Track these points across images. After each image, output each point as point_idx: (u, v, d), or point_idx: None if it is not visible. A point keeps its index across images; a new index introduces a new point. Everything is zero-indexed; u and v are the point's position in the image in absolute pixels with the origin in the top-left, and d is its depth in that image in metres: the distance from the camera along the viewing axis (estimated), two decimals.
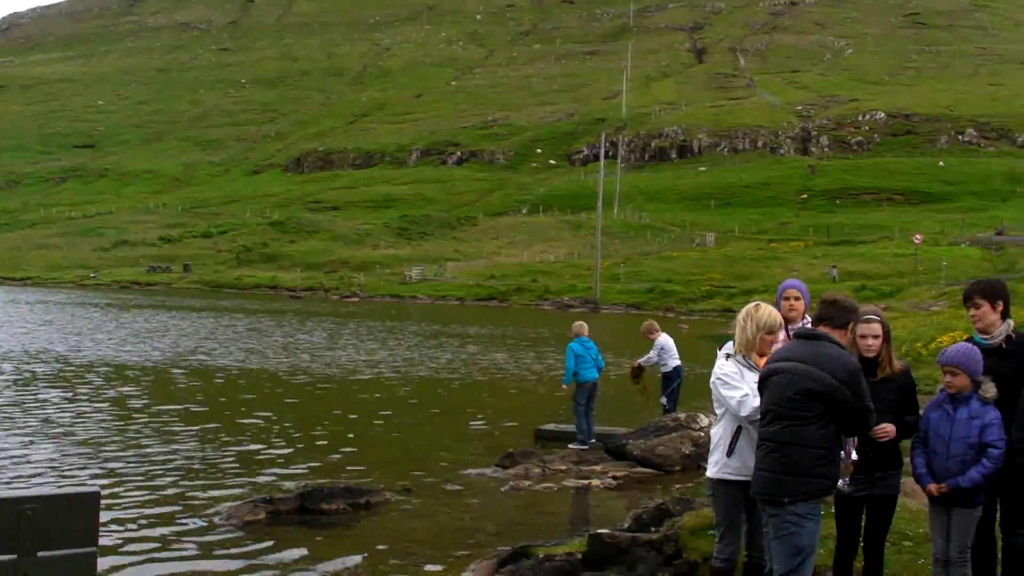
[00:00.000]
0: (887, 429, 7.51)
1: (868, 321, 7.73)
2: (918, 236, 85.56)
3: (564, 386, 20.30)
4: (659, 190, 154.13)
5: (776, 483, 6.79)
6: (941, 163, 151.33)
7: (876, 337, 7.71)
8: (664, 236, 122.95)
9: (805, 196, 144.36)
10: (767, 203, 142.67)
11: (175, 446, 19.67)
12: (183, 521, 14.19)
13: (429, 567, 12.31)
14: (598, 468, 18.52)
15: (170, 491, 15.86)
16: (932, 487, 7.52)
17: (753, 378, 7.50)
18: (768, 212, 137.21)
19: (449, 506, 15.65)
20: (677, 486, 16.20)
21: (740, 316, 7.84)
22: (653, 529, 11.60)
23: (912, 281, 71.79)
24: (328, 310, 72.88)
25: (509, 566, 11.67)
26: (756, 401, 7.32)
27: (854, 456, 7.53)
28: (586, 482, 17.61)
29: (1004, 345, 7.49)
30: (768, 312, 7.75)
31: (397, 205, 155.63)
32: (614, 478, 17.96)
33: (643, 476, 18.20)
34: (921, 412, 7.81)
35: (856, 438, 7.47)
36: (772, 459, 6.85)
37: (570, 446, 19.75)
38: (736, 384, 7.61)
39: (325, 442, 20.78)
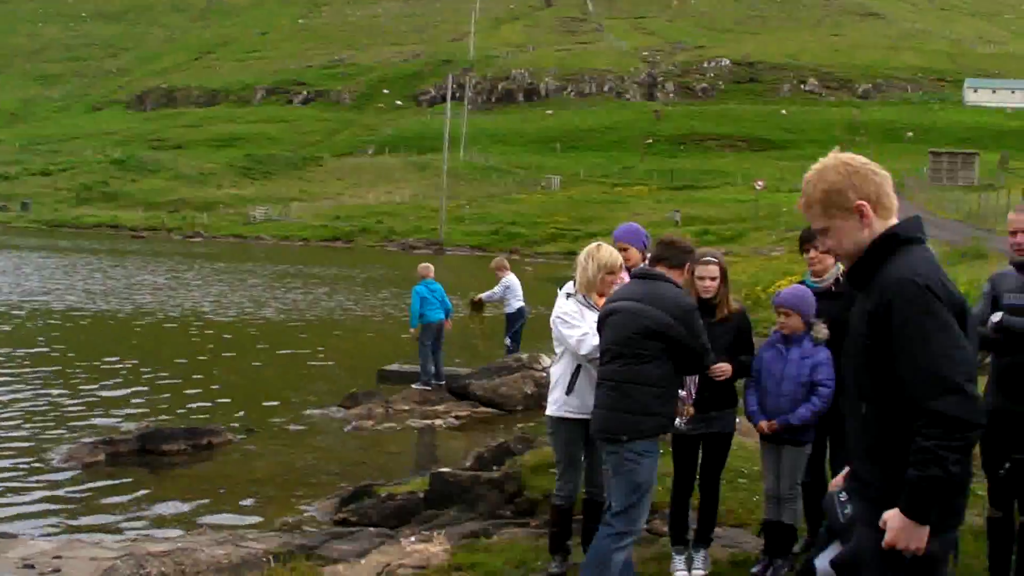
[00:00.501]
0: (723, 368, 7.57)
1: (706, 263, 7.81)
2: (760, 182, 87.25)
3: (412, 330, 20.27)
4: (506, 133, 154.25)
5: (615, 421, 6.85)
6: (783, 111, 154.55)
7: (713, 279, 7.79)
8: (510, 179, 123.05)
9: (650, 141, 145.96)
10: (612, 147, 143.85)
11: (16, 388, 19.19)
12: (22, 463, 13.91)
13: (270, 507, 12.27)
14: (441, 408, 18.61)
15: (10, 434, 15.51)
16: (763, 424, 7.65)
17: (593, 317, 7.55)
18: (613, 156, 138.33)
19: (291, 446, 15.60)
20: (519, 426, 16.35)
21: (581, 256, 7.87)
22: (495, 468, 11.69)
23: (753, 226, 73.08)
24: (172, 250, 71.46)
25: (351, 505, 11.70)
26: (595, 340, 7.39)
27: (691, 395, 7.63)
28: (429, 422, 17.70)
29: (833, 288, 7.69)
30: (609, 252, 7.81)
31: (241, 144, 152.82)
32: (457, 418, 18.09)
33: (486, 416, 18.35)
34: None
35: (695, 378, 7.61)
36: (611, 397, 6.92)
37: (413, 386, 19.79)
38: (576, 323, 7.68)
39: (169, 384, 20.48)
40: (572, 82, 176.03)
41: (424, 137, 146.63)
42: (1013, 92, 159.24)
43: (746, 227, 73.68)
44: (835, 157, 3.97)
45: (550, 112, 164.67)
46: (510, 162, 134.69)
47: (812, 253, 7.82)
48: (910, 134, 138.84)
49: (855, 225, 3.90)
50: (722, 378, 7.63)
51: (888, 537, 3.65)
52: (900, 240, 3.87)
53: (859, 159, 3.96)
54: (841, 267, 7.61)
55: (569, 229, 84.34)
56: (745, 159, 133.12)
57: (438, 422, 17.70)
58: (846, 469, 4.12)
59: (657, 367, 6.82)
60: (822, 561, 4.00)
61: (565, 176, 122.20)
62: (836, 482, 4.15)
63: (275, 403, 18.86)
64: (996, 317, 6.40)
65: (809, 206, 3.99)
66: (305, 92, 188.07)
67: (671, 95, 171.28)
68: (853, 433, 3.99)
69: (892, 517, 3.66)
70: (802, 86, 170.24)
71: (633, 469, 6.77)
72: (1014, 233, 6.56)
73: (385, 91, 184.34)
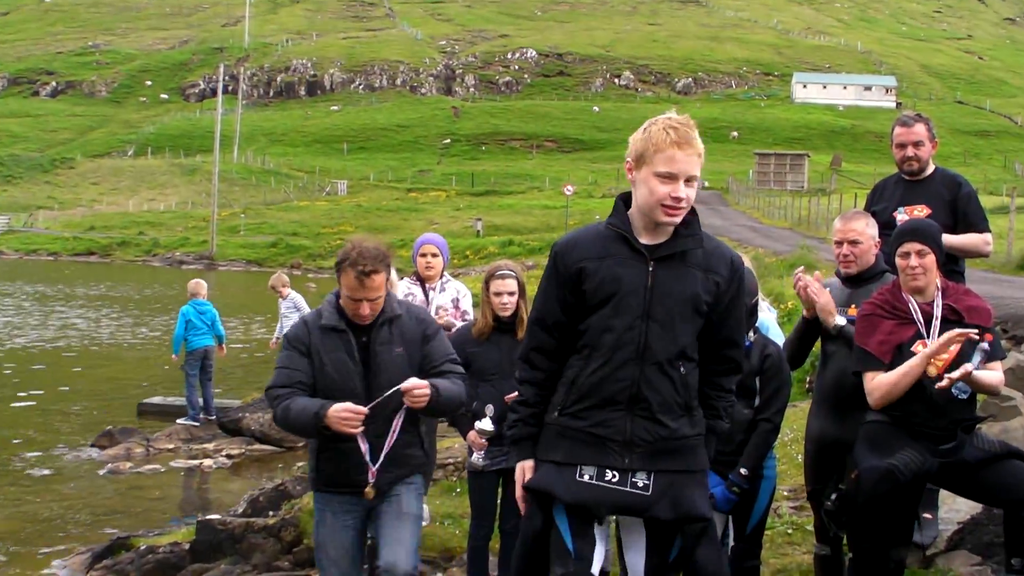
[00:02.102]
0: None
1: (503, 277, 7.99)
2: (569, 187, 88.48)
3: (174, 357, 19.98)
4: (285, 131, 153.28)
5: None
6: (596, 108, 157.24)
7: (512, 294, 7.96)
8: (290, 184, 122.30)
9: (448, 141, 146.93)
10: (406, 148, 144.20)
11: None
12: None
13: (10, 568, 11.93)
14: (211, 446, 18.41)
15: None
16: None
17: None
18: (407, 158, 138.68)
19: (36, 494, 15.22)
20: (299, 464, 16.24)
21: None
22: (271, 513, 11.61)
23: (561, 235, 74.49)
24: None
25: (105, 561, 11.47)
26: None
27: (489, 426, 7.63)
28: (197, 462, 17.50)
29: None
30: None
31: None
32: (229, 457, 17.91)
33: (262, 454, 18.20)
34: None
35: (491, 407, 7.65)
36: None
37: (179, 421, 19.52)
38: None
39: None
40: (360, 75, 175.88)
41: (192, 136, 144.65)
42: (845, 88, 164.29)
43: (555, 236, 74.47)
44: None
45: (336, 108, 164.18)
46: (291, 165, 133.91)
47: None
48: (735, 133, 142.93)
49: None
50: None
51: None
52: None
53: None
54: None
55: None
56: (554, 161, 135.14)
57: (207, 462, 17.50)
58: None
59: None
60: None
61: (353, 181, 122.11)
62: None
63: (16, 442, 18.36)
64: (841, 321, 6.64)
65: None
66: (54, 83, 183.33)
67: (471, 90, 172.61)
68: None
69: None
70: (616, 80, 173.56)
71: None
72: (839, 243, 6.82)
73: (147, 83, 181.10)
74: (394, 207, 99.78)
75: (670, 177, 4.64)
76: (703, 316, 4.77)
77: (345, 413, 5.99)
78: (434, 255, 9.87)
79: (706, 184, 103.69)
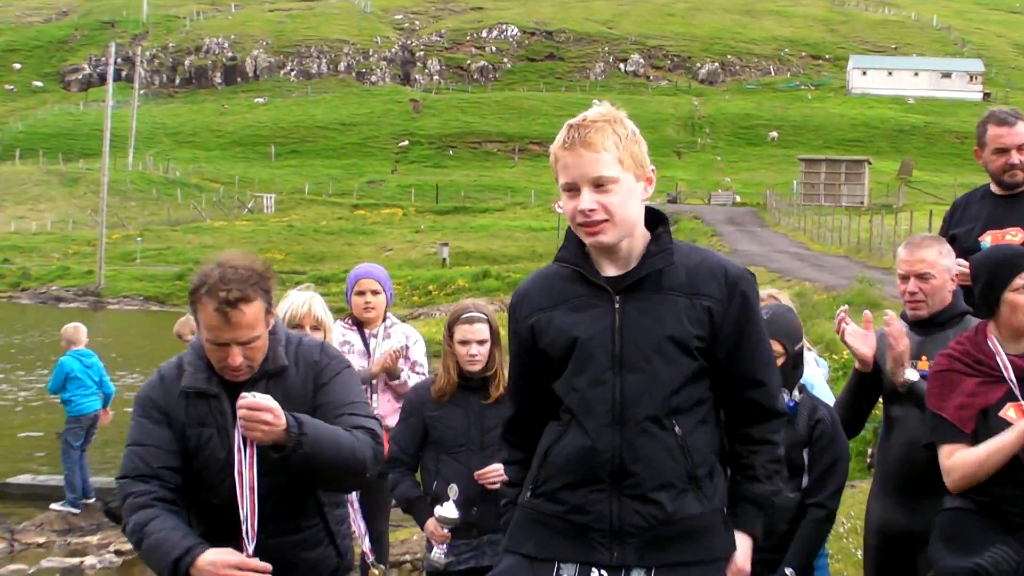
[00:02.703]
0: (498, 471, 7.36)
1: (470, 321, 7.87)
2: (561, 203, 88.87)
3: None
4: (195, 130, 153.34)
5: None
6: (596, 101, 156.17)
7: (483, 342, 7.84)
8: (202, 198, 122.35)
9: (405, 143, 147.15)
10: (351, 152, 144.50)
11: None
12: None
13: None
14: (95, 539, 18.29)
15: None
16: None
17: None
18: (352, 166, 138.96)
19: None
20: None
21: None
22: None
23: None
24: None
25: None
26: None
27: (453, 513, 7.58)
28: (77, 560, 17.37)
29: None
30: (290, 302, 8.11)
31: None
32: (118, 553, 17.78)
33: None
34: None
35: (455, 487, 7.62)
36: None
37: (53, 507, 19.41)
38: None
39: None
40: (292, 58, 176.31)
41: (74, 136, 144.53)
42: (916, 74, 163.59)
43: (541, 266, 74.94)
44: None
45: (260, 101, 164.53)
46: (202, 174, 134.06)
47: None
48: (774, 134, 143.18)
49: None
50: (496, 485, 7.38)
51: None
52: None
53: None
54: None
55: (289, 271, 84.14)
56: (542, 170, 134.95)
57: (90, 560, 17.40)
58: None
59: None
60: None
61: (283, 195, 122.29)
62: None
63: None
64: (913, 376, 6.54)
65: None
66: None
67: (435, 78, 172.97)
68: None
69: None
70: (621, 66, 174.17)
71: None
72: (905, 278, 6.74)
73: (15, 66, 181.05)
74: (336, 229, 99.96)
75: (571, 189, 4.73)
76: (698, 354, 4.70)
77: (224, 572, 5.33)
78: (375, 292, 9.89)
79: (737, 198, 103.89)
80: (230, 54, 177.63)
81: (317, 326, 7.96)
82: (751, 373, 4.80)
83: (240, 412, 5.26)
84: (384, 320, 9.93)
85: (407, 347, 9.99)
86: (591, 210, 4.63)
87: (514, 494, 5.04)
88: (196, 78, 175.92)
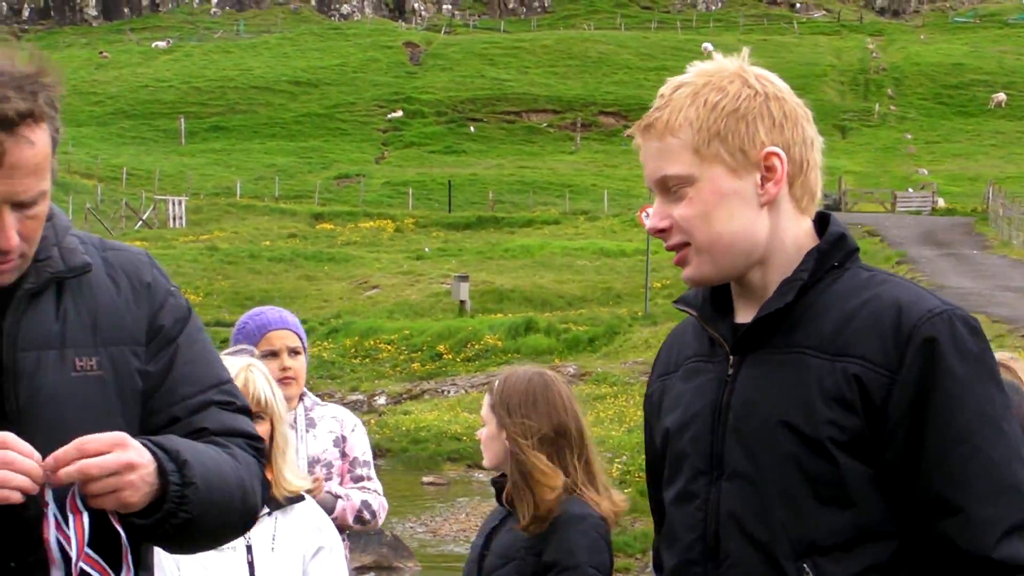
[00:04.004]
0: None
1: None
2: (651, 209, 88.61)
3: None
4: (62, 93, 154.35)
5: None
6: (707, 45, 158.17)
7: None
8: (69, 202, 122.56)
9: (398, 114, 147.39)
10: (311, 130, 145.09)
11: None
12: None
13: None
14: None
15: None
16: None
17: None
18: (314, 151, 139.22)
19: None
20: None
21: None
22: None
23: (637, 314, 73.76)
24: None
25: None
26: None
27: None
28: None
29: None
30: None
31: None
32: None
33: None
34: None
35: None
36: None
37: None
38: None
39: None
40: None
41: None
42: None
43: (624, 313, 74.49)
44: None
45: (162, 44, 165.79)
46: (68, 164, 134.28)
47: None
48: (1000, 96, 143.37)
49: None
50: None
51: None
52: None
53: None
54: None
55: (210, 324, 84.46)
56: (619, 155, 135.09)
57: None
58: None
59: None
60: None
61: (200, 197, 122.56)
62: None
63: None
64: None
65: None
66: None
67: (445, 8, 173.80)
68: None
69: None
70: None
71: None
72: None
73: None
74: (287, 254, 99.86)
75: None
76: (841, 453, 4.45)
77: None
78: (294, 351, 9.87)
79: (940, 202, 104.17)
80: None
81: (260, 413, 7.80)
82: (937, 489, 4.44)
83: (71, 472, 4.47)
84: (301, 399, 9.75)
85: (343, 438, 10.14)
86: (658, 229, 4.68)
87: None
88: (57, 8, 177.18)
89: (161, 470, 4.56)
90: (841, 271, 4.58)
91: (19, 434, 4.50)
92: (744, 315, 4.61)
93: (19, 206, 4.53)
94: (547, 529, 7.99)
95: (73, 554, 4.51)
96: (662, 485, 4.80)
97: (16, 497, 4.34)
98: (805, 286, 4.51)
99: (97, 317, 4.81)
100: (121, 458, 4.43)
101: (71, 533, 4.50)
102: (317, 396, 10.65)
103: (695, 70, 4.59)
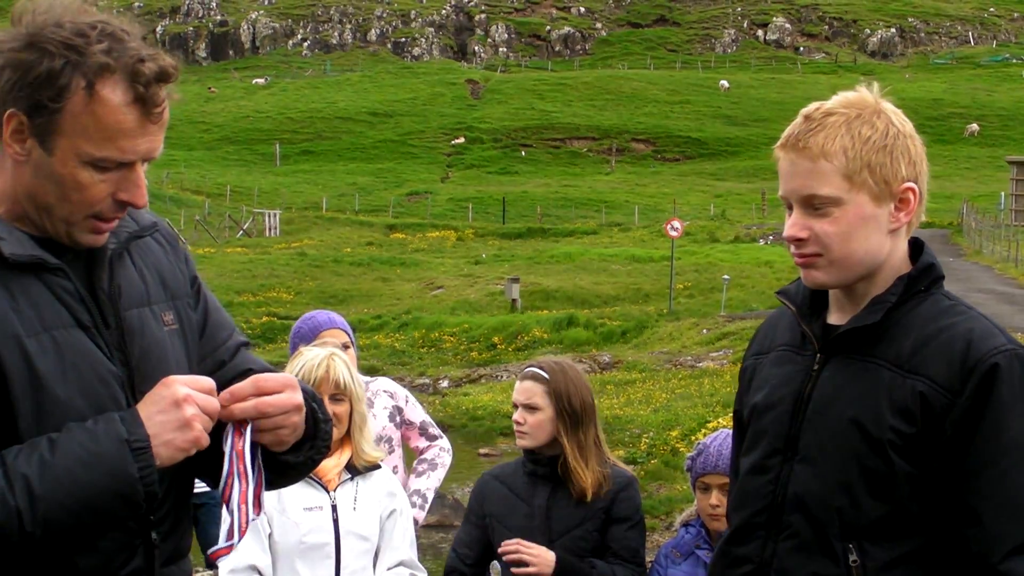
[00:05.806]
0: (536, 557, 7.56)
1: (522, 378, 8.10)
2: (677, 223, 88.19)
3: None
4: (172, 122, 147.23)
5: None
6: (724, 83, 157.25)
7: (531, 408, 7.98)
8: (180, 214, 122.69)
9: (460, 141, 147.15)
10: (386, 154, 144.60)
11: None
12: None
13: None
14: None
15: None
16: None
17: None
18: (388, 171, 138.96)
19: None
20: None
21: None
22: None
23: (659, 310, 73.55)
24: None
25: None
26: None
27: None
28: None
29: None
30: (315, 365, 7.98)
31: None
32: None
33: None
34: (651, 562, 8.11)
35: (496, 566, 7.99)
36: None
37: None
38: None
39: None
40: (305, 23, 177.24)
41: None
42: None
43: (651, 310, 74.42)
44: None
45: (261, 82, 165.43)
46: (180, 182, 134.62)
47: None
48: (974, 127, 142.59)
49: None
50: (531, 570, 7.58)
51: None
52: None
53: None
54: None
55: (298, 317, 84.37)
56: (649, 176, 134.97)
57: None
58: None
59: None
60: None
61: (293, 210, 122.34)
62: None
63: None
64: None
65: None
66: None
67: (502, 50, 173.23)
68: None
69: None
70: (760, 33, 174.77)
71: None
72: None
73: None
74: (365, 259, 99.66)
75: (786, 204, 4.84)
76: (896, 456, 4.63)
77: (205, 400, 4.28)
78: (345, 345, 9.84)
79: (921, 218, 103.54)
80: (219, 17, 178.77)
81: (340, 396, 7.84)
82: (966, 499, 4.60)
83: (247, 408, 4.36)
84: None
85: (400, 410, 10.34)
86: (798, 238, 4.70)
87: None
88: (172, 50, 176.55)
89: (311, 411, 4.55)
90: (926, 295, 4.78)
91: (135, 391, 4.33)
92: (837, 316, 4.81)
93: (148, 162, 4.47)
94: (608, 493, 7.81)
95: (250, 473, 4.38)
96: (740, 450, 5.07)
97: (205, 441, 4.21)
98: (892, 308, 4.71)
99: (162, 274, 4.65)
100: (294, 399, 4.38)
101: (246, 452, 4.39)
102: (389, 379, 10.86)
103: (840, 99, 4.81)
